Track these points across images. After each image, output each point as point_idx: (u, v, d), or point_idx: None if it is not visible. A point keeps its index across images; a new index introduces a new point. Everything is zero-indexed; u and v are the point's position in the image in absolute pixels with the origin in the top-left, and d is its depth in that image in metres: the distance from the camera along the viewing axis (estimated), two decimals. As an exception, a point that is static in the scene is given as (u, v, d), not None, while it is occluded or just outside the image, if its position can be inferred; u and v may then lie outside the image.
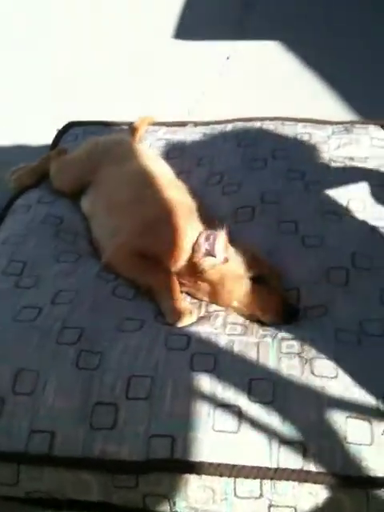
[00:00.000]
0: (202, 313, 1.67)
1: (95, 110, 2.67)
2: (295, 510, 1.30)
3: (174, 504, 1.34)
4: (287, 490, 1.29)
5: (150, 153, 2.19)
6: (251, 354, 1.45)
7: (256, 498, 1.31)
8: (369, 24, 3.51)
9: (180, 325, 1.57)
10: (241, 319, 1.61)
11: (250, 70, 3.20)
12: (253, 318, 1.64)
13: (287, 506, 1.30)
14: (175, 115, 2.74)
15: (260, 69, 3.20)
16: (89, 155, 2.13)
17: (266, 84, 3.07)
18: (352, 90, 2.95)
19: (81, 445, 1.37)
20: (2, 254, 1.82)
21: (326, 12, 3.66)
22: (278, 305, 1.62)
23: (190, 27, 3.67)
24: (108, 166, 2.05)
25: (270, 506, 1.31)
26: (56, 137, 2.56)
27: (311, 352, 1.44)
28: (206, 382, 1.40)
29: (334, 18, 3.58)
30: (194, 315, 1.61)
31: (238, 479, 1.30)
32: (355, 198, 1.94)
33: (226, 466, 1.30)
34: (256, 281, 1.67)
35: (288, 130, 2.28)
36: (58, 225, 1.96)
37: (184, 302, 1.67)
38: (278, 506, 1.30)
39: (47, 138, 2.62)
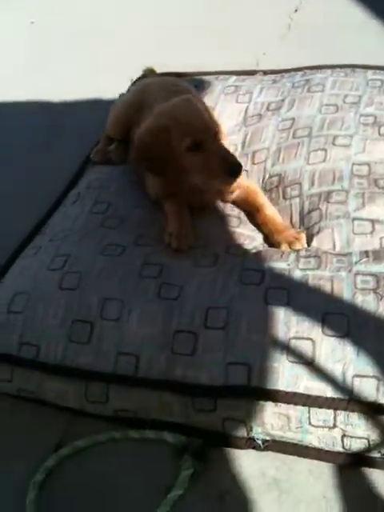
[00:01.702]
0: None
1: (165, 64, 2.51)
2: (368, 441, 1.22)
3: (251, 429, 1.29)
4: (360, 422, 1.21)
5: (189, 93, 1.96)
6: (325, 289, 1.35)
7: (330, 427, 1.24)
8: None
9: (174, 247, 1.53)
10: (314, 252, 1.48)
11: (318, 23, 2.95)
12: (207, 187, 1.57)
13: (360, 437, 1.23)
14: (244, 66, 2.59)
15: (328, 21, 2.95)
16: (138, 97, 1.97)
17: (335, 36, 2.83)
18: None
19: (163, 368, 1.34)
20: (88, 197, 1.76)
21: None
22: (218, 167, 1.48)
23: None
24: (150, 108, 1.83)
25: (344, 436, 1.23)
26: (129, 89, 2.44)
27: (387, 288, 1.32)
28: (280, 315, 1.32)
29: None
30: (189, 238, 1.55)
31: (312, 409, 1.23)
32: None
33: (301, 395, 1.23)
34: (192, 149, 1.52)
35: (358, 76, 2.09)
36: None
37: (183, 225, 1.59)
38: (351, 437, 1.23)
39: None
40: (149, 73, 2.40)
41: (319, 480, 1.27)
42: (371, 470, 1.26)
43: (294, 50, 2.77)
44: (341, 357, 1.23)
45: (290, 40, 2.90)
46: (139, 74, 2.47)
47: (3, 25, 3.46)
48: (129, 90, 2.35)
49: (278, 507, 1.24)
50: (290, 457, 1.31)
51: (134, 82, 2.42)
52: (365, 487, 1.24)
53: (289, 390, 1.23)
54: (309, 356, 1.25)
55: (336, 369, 1.23)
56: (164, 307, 1.40)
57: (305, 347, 1.26)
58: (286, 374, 1.25)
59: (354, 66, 2.18)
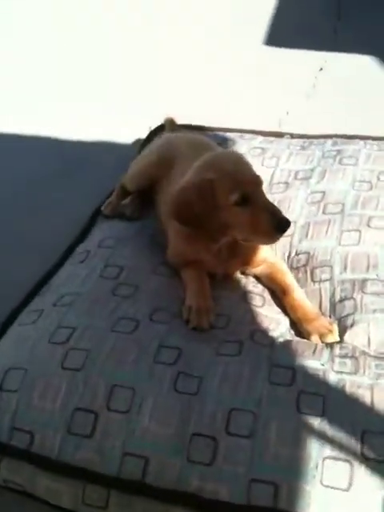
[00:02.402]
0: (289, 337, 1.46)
1: (185, 115, 2.44)
2: None
3: None
4: None
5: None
6: (365, 399, 1.23)
7: None
8: None
9: (192, 325, 1.46)
10: (351, 351, 1.37)
11: (343, 84, 2.92)
12: (249, 241, 1.52)
13: None
14: (266, 124, 2.53)
15: (354, 83, 2.93)
16: (165, 153, 1.89)
17: (360, 99, 2.80)
18: None
19: (176, 477, 1.20)
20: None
21: None
22: (266, 223, 1.43)
23: (281, 34, 3.41)
24: (176, 165, 1.81)
25: None
26: (147, 137, 2.38)
27: None
28: (314, 428, 1.20)
29: None
30: (209, 315, 1.48)
31: (345, 541, 1.10)
32: None
33: (335, 525, 1.10)
34: (240, 203, 1.45)
35: (393, 151, 2.03)
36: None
37: (204, 300, 1.51)
38: None
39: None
40: (168, 123, 2.33)
41: None
42: None
43: (319, 110, 2.73)
44: (380, 485, 1.11)
45: (315, 99, 2.85)
46: (156, 122, 2.41)
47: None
48: (146, 142, 2.29)
49: None
50: None
51: (153, 132, 2.35)
52: None
53: (321, 518, 1.11)
54: (346, 481, 1.13)
55: (375, 499, 1.10)
56: (181, 403, 1.27)
57: (341, 470, 1.14)
58: (318, 500, 1.12)
59: (387, 139, 2.12)
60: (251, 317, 1.54)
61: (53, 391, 1.32)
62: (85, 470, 1.25)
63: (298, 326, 1.51)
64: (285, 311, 1.58)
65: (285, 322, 1.55)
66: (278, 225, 1.44)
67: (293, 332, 1.52)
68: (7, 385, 1.36)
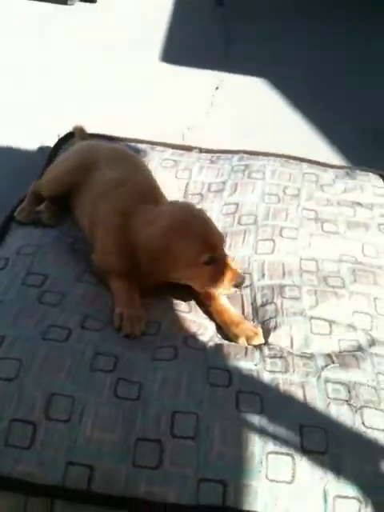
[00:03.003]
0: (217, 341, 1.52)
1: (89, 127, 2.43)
2: None
3: None
4: (340, 546, 1.16)
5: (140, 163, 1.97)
6: (298, 396, 1.31)
7: None
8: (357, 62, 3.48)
9: (124, 332, 1.46)
10: (279, 352, 1.45)
11: (238, 102, 3.08)
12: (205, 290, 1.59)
13: None
14: (170, 138, 2.58)
15: (248, 101, 3.09)
16: (86, 160, 1.87)
17: (255, 116, 2.96)
18: (338, 133, 2.89)
19: (123, 483, 1.18)
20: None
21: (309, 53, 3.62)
22: (227, 279, 1.54)
23: (176, 52, 3.51)
24: (97, 171, 1.82)
25: None
26: (56, 144, 2.33)
27: (359, 400, 1.32)
28: (255, 425, 1.25)
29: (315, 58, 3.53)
30: (141, 323, 1.50)
31: (293, 532, 1.16)
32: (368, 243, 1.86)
33: (281, 517, 1.15)
34: (208, 262, 1.53)
35: (294, 168, 2.18)
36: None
37: (134, 309, 1.52)
38: None
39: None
40: (78, 131, 2.29)
41: None
42: None
43: (218, 126, 2.85)
44: (322, 475, 1.19)
45: (214, 115, 2.96)
46: (62, 131, 2.37)
47: None
48: (55, 150, 2.24)
49: None
50: None
51: (62, 139, 2.30)
52: None
53: (268, 511, 1.15)
54: (288, 474, 1.19)
55: (317, 489, 1.18)
56: (123, 409, 1.26)
57: (284, 463, 1.20)
58: (264, 494, 1.16)
59: (286, 157, 2.27)
60: (180, 323, 1.56)
61: (-15, 404, 1.25)
62: (26, 482, 1.18)
63: (225, 330, 1.56)
64: (210, 317, 1.62)
65: (211, 326, 1.59)
66: (237, 282, 1.54)
67: (219, 336, 1.57)
68: None
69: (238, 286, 1.55)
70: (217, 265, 1.53)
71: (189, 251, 1.50)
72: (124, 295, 1.55)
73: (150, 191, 1.75)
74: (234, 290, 1.56)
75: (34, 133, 2.59)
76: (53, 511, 1.19)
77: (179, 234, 1.50)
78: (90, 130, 2.34)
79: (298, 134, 2.83)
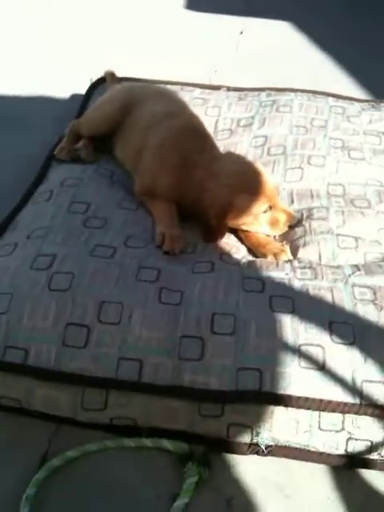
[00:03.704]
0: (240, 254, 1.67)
1: (116, 67, 2.53)
2: (371, 443, 1.32)
3: (257, 434, 1.33)
4: (367, 425, 1.31)
5: (181, 100, 2.10)
6: (327, 298, 1.44)
7: (337, 431, 1.32)
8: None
9: (165, 249, 1.59)
10: (308, 263, 1.58)
11: (264, 46, 3.14)
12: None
13: (364, 440, 1.32)
14: (196, 80, 2.67)
15: (271, 45, 3.15)
16: (126, 100, 2.00)
17: (280, 60, 3.02)
18: (363, 70, 2.95)
19: (170, 374, 1.34)
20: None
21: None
22: (283, 222, 1.71)
23: (201, 0, 3.56)
24: (141, 108, 1.94)
25: (349, 439, 1.32)
26: (89, 89, 2.45)
27: (384, 300, 1.44)
28: (287, 323, 1.38)
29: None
30: (181, 242, 1.63)
31: (323, 413, 1.30)
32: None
33: (314, 399, 1.29)
34: (266, 210, 1.70)
35: (320, 101, 2.26)
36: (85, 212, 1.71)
37: (174, 229, 1.66)
38: (356, 439, 1.32)
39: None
40: (109, 76, 2.42)
41: (322, 482, 1.34)
42: (369, 471, 1.35)
43: (244, 69, 2.92)
44: (350, 363, 1.32)
45: (239, 59, 3.03)
46: (90, 76, 2.49)
47: None
48: (88, 94, 2.37)
49: (284, 510, 1.29)
50: (292, 461, 1.37)
51: (94, 84, 2.42)
52: (366, 488, 1.33)
53: (301, 394, 1.30)
54: (319, 362, 1.33)
55: (346, 374, 1.31)
56: (168, 311, 1.41)
57: (315, 353, 1.33)
58: (298, 379, 1.31)
59: (312, 92, 2.35)
60: (214, 244, 1.70)
61: (42, 310, 1.40)
62: (82, 375, 1.35)
63: (254, 251, 1.70)
64: (241, 241, 1.75)
65: (242, 248, 1.72)
66: (291, 223, 1.72)
67: (250, 256, 1.70)
68: (-6, 308, 1.41)
69: (292, 226, 1.72)
70: (273, 211, 1.69)
71: (251, 205, 1.66)
72: (166, 216, 1.69)
73: (198, 127, 1.87)
74: (286, 229, 1.72)
75: (67, 80, 2.71)
76: (107, 401, 1.36)
77: (241, 190, 1.65)
78: (121, 74, 2.46)
79: (323, 73, 2.89)
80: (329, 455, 1.35)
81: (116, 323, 1.39)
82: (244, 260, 1.63)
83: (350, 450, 1.33)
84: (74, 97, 2.61)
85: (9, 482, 1.32)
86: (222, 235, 1.69)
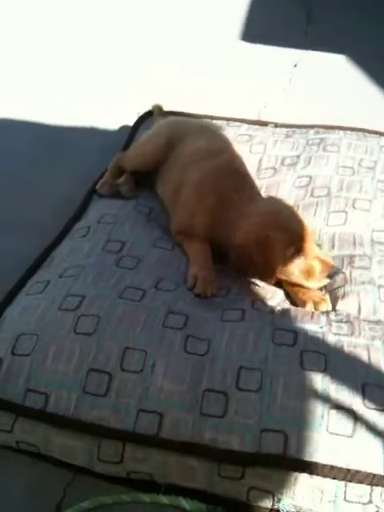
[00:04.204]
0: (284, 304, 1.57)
1: (168, 105, 2.54)
2: (402, 518, 1.22)
3: (279, 500, 1.26)
4: (398, 499, 1.21)
5: (224, 137, 2.07)
6: (362, 357, 1.36)
7: (364, 503, 1.23)
8: None
9: (197, 291, 1.56)
10: (345, 317, 1.50)
11: (317, 79, 3.08)
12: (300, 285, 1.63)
13: (394, 514, 1.22)
14: (246, 115, 2.65)
15: (326, 78, 3.09)
16: (170, 135, 2.00)
17: (334, 93, 2.96)
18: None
19: (190, 430, 1.29)
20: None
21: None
22: (318, 270, 1.58)
23: (255, 32, 3.54)
24: (185, 143, 1.94)
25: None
26: (136, 122, 2.47)
27: None
28: (318, 382, 1.31)
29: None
30: (213, 285, 1.59)
31: (349, 483, 1.22)
32: None
33: (341, 469, 1.22)
34: (294, 255, 1.59)
35: (371, 141, 2.18)
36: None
37: (207, 271, 1.62)
38: (384, 512, 1.22)
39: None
40: (157, 109, 2.43)
41: None
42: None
43: (295, 103, 2.87)
44: (382, 431, 1.24)
45: (291, 93, 2.99)
46: (142, 110, 2.51)
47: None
48: (135, 127, 2.38)
49: None
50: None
51: (142, 117, 2.44)
52: None
53: (327, 462, 1.22)
54: (350, 428, 1.24)
55: (377, 443, 1.23)
56: (192, 363, 1.36)
57: (345, 418, 1.26)
58: (325, 446, 1.23)
59: (365, 131, 2.27)
60: (249, 288, 1.65)
61: (66, 354, 1.39)
62: (100, 426, 1.32)
63: (293, 297, 1.63)
64: (279, 285, 1.69)
65: (280, 293, 1.66)
66: (329, 273, 1.58)
67: (288, 302, 1.63)
68: (19, 350, 1.41)
69: (331, 276, 1.58)
70: (306, 257, 1.59)
71: (276, 245, 1.57)
72: (200, 258, 1.67)
73: (238, 167, 1.84)
74: (327, 281, 1.60)
75: (116, 112, 2.74)
76: (124, 454, 1.32)
77: (268, 229, 1.57)
78: (170, 107, 2.47)
79: (377, 110, 2.79)
80: (354, 528, 1.26)
81: (138, 372, 1.36)
82: (279, 307, 1.57)
83: (378, 524, 1.23)
84: (124, 128, 2.62)
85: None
86: (269, 276, 1.61)
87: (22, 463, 1.43)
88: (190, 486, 1.32)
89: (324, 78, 3.09)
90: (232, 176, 1.76)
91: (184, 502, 1.32)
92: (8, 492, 1.38)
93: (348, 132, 2.25)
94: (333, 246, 1.77)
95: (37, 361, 1.39)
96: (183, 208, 1.78)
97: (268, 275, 1.61)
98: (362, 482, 1.21)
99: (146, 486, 1.36)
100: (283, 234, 1.57)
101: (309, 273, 1.60)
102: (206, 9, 3.78)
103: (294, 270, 1.60)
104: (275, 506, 1.28)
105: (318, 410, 1.27)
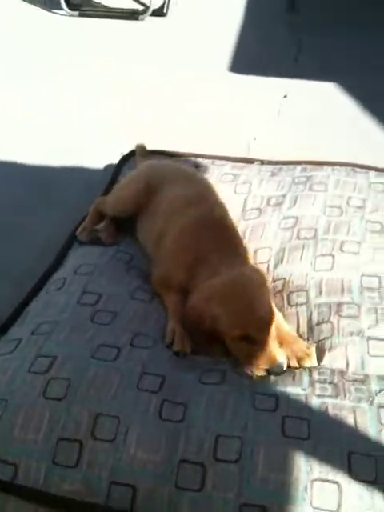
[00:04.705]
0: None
1: (156, 140, 2.50)
2: None
3: None
4: None
5: (205, 183, 2.01)
6: (348, 421, 1.28)
7: None
8: None
9: (175, 349, 1.50)
10: (329, 377, 1.43)
11: (307, 109, 3.04)
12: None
13: None
14: (236, 149, 2.62)
15: (317, 108, 3.05)
16: (148, 180, 1.95)
17: (324, 123, 2.92)
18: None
19: (166, 504, 1.22)
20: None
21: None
22: (260, 361, 1.45)
23: (244, 63, 3.52)
24: (161, 191, 1.89)
25: None
26: (118, 163, 2.43)
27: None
28: (301, 452, 1.24)
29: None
30: (186, 347, 1.51)
31: None
32: None
33: (327, 549, 1.13)
34: (241, 339, 1.48)
35: (360, 177, 2.13)
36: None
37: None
38: None
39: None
40: (139, 149, 2.38)
41: None
42: None
43: (285, 135, 2.83)
44: (370, 505, 1.16)
45: (281, 125, 2.95)
46: (126, 148, 2.47)
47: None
48: (118, 169, 2.34)
49: None
50: None
51: (125, 158, 2.40)
52: None
53: (312, 542, 1.14)
54: (334, 502, 1.17)
55: (365, 520, 1.15)
56: (167, 431, 1.29)
57: (330, 491, 1.18)
58: (309, 524, 1.15)
59: (354, 166, 2.22)
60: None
61: (35, 421, 1.32)
62: (72, 500, 1.24)
63: None
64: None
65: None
66: (271, 368, 1.44)
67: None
68: (-13, 416, 1.35)
69: (271, 373, 1.44)
70: (253, 344, 1.47)
71: (225, 322, 1.47)
72: (180, 311, 1.59)
73: (219, 219, 1.76)
74: (263, 373, 1.45)
75: (102, 149, 2.70)
76: (98, 529, 1.24)
77: (223, 302, 1.48)
78: (157, 143, 2.44)
79: (369, 143, 2.74)
80: None
81: (110, 440, 1.29)
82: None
83: None
84: (110, 167, 2.58)
85: None
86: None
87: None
88: None
89: (313, 109, 3.05)
90: (211, 229, 1.69)
91: None
92: None
93: (336, 168, 2.20)
94: (320, 292, 1.69)
95: (5, 429, 1.33)
96: (162, 261, 1.73)
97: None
98: None
99: None
100: (233, 315, 1.47)
101: (249, 359, 1.46)
102: (193, 40, 3.76)
103: (234, 348, 1.50)
104: None
105: (301, 481, 1.20)
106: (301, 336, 1.60)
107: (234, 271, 1.56)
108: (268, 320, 1.49)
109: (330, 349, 1.52)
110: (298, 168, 2.23)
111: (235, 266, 1.59)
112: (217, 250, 1.63)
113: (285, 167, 2.27)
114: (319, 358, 1.51)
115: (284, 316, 1.65)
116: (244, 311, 1.47)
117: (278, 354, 1.46)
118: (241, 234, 1.92)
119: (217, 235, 1.68)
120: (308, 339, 1.59)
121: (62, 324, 1.56)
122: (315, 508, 1.17)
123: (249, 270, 1.61)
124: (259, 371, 1.44)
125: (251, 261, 1.73)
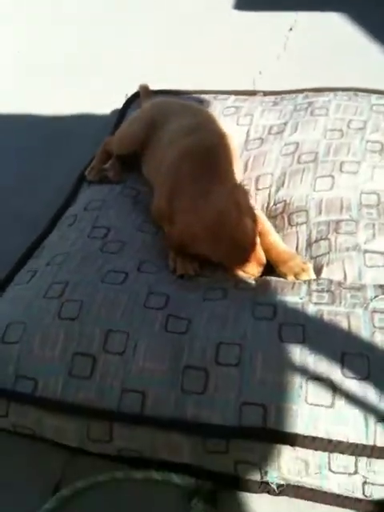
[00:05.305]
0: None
1: (158, 80, 2.48)
2: (391, 488, 1.19)
3: (266, 473, 1.25)
4: (383, 469, 1.18)
5: (207, 114, 2.00)
6: (342, 325, 1.32)
7: (350, 473, 1.20)
8: None
9: (179, 272, 1.55)
10: (327, 286, 1.46)
11: (313, 41, 2.96)
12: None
13: (382, 485, 1.19)
14: (240, 84, 2.58)
15: (323, 39, 2.97)
16: (152, 116, 1.96)
17: (330, 54, 2.84)
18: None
19: (172, 407, 1.29)
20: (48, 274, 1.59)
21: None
22: (251, 267, 1.54)
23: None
24: (168, 124, 1.89)
25: (365, 483, 1.20)
26: (124, 105, 2.43)
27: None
28: (296, 354, 1.28)
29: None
30: (195, 263, 1.58)
31: (332, 454, 1.19)
32: None
33: (322, 440, 1.19)
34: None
35: (362, 101, 2.09)
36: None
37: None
38: (372, 484, 1.19)
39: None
40: (143, 90, 2.39)
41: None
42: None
43: (291, 68, 2.78)
44: (362, 401, 1.20)
45: (286, 58, 2.89)
46: (132, 90, 2.46)
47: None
48: (123, 110, 2.35)
49: None
50: (307, 502, 1.27)
51: (130, 100, 2.40)
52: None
53: (308, 433, 1.20)
54: (329, 399, 1.22)
55: (358, 413, 1.19)
56: (172, 341, 1.35)
57: (324, 389, 1.23)
58: (304, 417, 1.21)
59: (356, 90, 2.18)
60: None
61: (52, 340, 1.40)
62: (87, 407, 1.32)
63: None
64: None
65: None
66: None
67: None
68: (9, 338, 1.43)
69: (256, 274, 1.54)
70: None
71: (205, 246, 1.54)
72: (177, 240, 1.63)
73: (212, 146, 1.74)
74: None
75: (109, 93, 2.70)
76: (112, 433, 1.33)
77: (202, 239, 1.53)
78: (163, 83, 2.43)
79: (380, 74, 2.66)
80: (346, 498, 1.24)
81: (120, 353, 1.35)
82: (259, 281, 1.53)
83: (367, 494, 1.21)
84: (115, 113, 2.58)
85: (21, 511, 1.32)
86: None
87: (19, 445, 1.45)
88: (178, 461, 1.32)
89: (321, 41, 2.96)
90: (199, 157, 1.67)
91: (175, 478, 1.33)
92: (7, 474, 1.41)
93: (338, 93, 2.16)
94: (320, 212, 1.71)
95: (24, 348, 1.40)
96: (156, 191, 1.75)
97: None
98: (344, 453, 1.18)
99: (138, 463, 1.37)
100: (212, 239, 1.52)
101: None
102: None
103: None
104: (265, 479, 1.27)
105: (297, 381, 1.24)
106: (299, 253, 1.62)
107: (211, 204, 1.54)
108: (249, 247, 1.53)
109: (328, 264, 1.54)
110: (300, 96, 2.20)
111: (213, 194, 1.56)
112: (195, 181, 1.60)
113: (287, 96, 2.24)
114: (317, 273, 1.54)
115: (284, 236, 1.68)
116: (226, 248, 1.52)
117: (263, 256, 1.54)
118: (243, 164, 1.94)
119: (201, 164, 1.65)
120: (305, 255, 1.61)
121: (73, 254, 1.62)
122: (310, 404, 1.22)
123: (224, 196, 1.56)
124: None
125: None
